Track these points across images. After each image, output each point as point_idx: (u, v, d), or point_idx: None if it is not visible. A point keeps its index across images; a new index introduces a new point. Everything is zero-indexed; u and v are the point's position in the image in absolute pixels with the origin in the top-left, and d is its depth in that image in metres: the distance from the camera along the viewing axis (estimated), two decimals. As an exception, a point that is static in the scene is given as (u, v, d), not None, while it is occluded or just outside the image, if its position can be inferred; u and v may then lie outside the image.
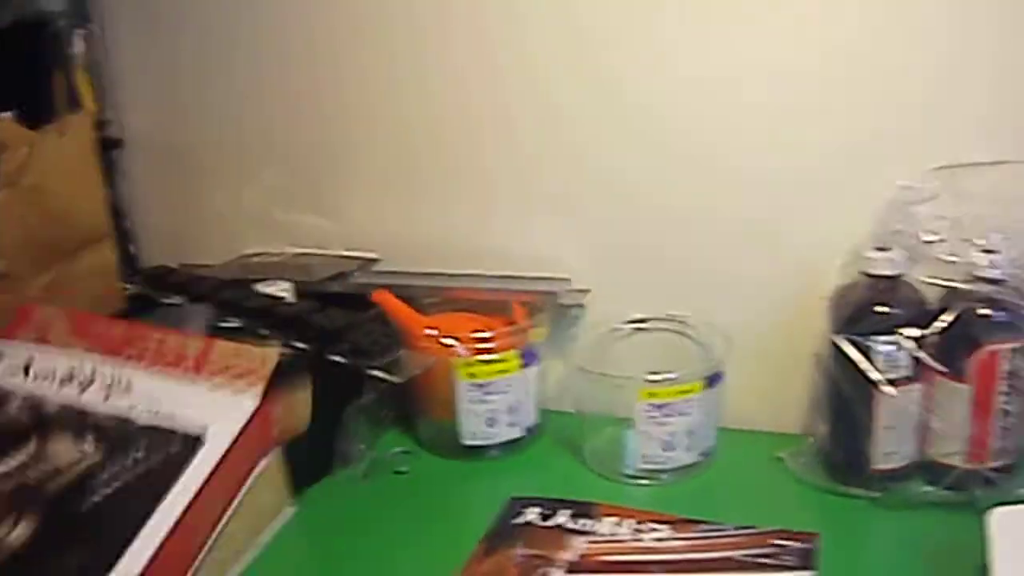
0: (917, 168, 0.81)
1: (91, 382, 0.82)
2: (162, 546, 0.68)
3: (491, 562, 0.75)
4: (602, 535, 0.77)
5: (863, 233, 0.82)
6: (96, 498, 0.72)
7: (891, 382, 0.78)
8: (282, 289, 0.95)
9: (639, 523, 0.79)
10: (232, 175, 1.09)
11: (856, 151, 0.85)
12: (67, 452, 0.76)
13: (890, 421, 0.80)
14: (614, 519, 0.79)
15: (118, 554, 0.67)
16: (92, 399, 0.80)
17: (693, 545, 0.75)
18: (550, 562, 0.74)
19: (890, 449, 0.81)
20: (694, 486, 0.86)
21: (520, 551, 0.75)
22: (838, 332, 0.80)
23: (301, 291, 0.96)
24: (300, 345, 0.86)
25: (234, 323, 0.91)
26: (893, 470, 0.82)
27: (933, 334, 0.78)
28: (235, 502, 0.76)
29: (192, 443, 0.74)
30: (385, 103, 0.99)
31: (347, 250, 1.04)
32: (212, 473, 0.72)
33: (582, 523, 0.79)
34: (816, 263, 0.84)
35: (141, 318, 0.91)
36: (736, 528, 0.77)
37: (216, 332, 0.89)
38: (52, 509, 0.72)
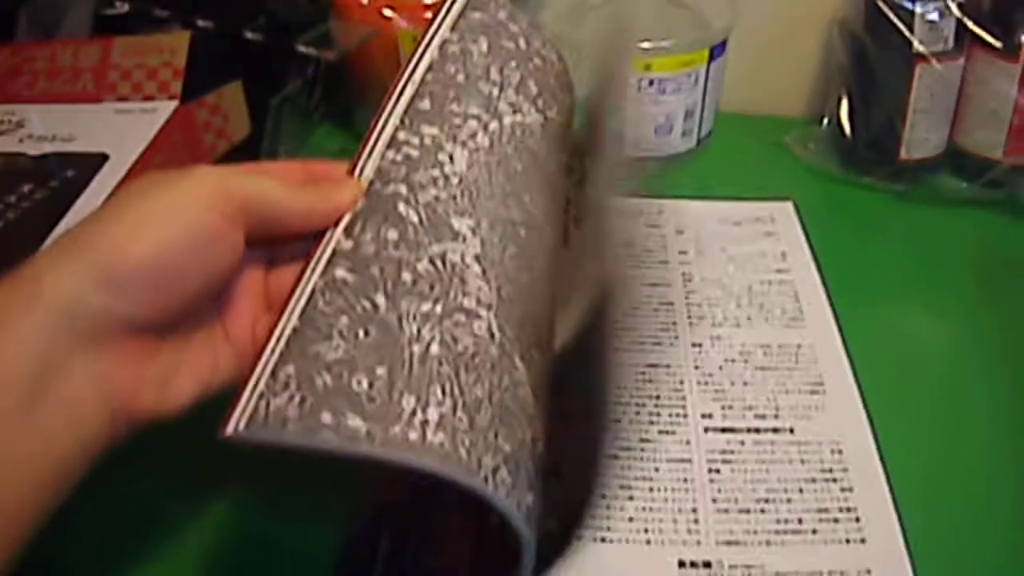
0: None
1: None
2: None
3: None
4: None
5: None
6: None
7: (932, 55, 0.64)
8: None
9: None
10: None
11: None
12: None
13: (926, 102, 0.67)
14: None
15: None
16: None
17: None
18: None
19: (921, 135, 0.68)
20: (688, 172, 0.74)
21: None
22: (873, -8, 0.65)
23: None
24: (205, 24, 0.70)
25: (122, 7, 0.73)
26: (922, 160, 0.70)
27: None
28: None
29: (97, 163, 0.60)
30: None
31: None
32: (119, 187, 0.58)
33: None
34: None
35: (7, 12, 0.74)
36: None
37: (102, 22, 0.73)
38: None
